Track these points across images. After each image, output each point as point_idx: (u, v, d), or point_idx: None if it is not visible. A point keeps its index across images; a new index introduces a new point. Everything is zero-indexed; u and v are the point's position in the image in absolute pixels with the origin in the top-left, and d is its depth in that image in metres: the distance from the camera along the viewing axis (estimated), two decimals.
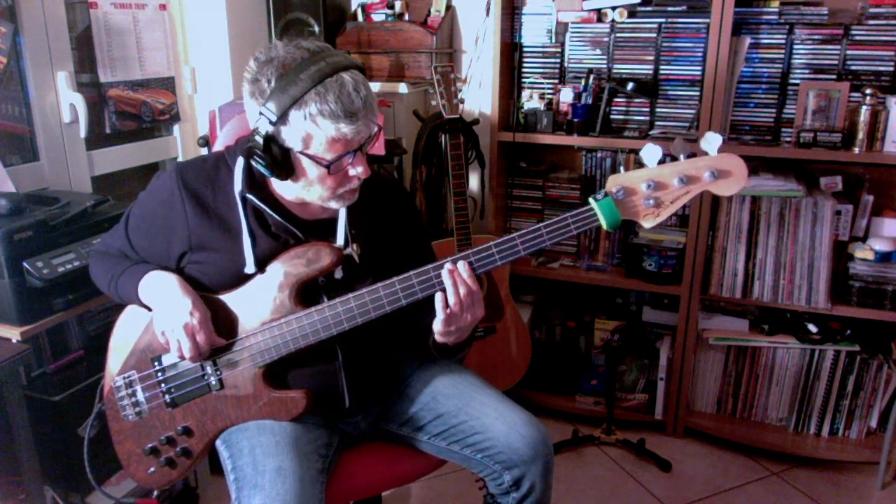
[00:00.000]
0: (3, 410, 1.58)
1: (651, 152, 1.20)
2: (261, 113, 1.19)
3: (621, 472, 2.38)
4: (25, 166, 1.94)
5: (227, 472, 1.32)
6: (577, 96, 2.47)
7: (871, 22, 2.21)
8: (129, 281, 1.35)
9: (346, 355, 1.37)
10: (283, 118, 1.18)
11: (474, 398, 1.42)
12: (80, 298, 1.66)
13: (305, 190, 1.29)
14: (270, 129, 1.20)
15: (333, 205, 1.31)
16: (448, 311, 1.26)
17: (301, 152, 1.22)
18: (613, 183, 1.21)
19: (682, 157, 1.19)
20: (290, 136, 1.21)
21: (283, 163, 1.23)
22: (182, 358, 1.31)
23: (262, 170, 1.25)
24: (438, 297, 1.26)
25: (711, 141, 1.18)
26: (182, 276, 1.36)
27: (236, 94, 2.43)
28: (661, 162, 1.20)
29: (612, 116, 2.51)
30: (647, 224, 1.22)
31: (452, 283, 1.24)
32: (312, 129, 1.19)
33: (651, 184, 1.19)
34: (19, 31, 1.87)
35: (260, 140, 1.20)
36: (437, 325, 1.30)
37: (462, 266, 1.24)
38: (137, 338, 1.39)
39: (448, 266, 1.24)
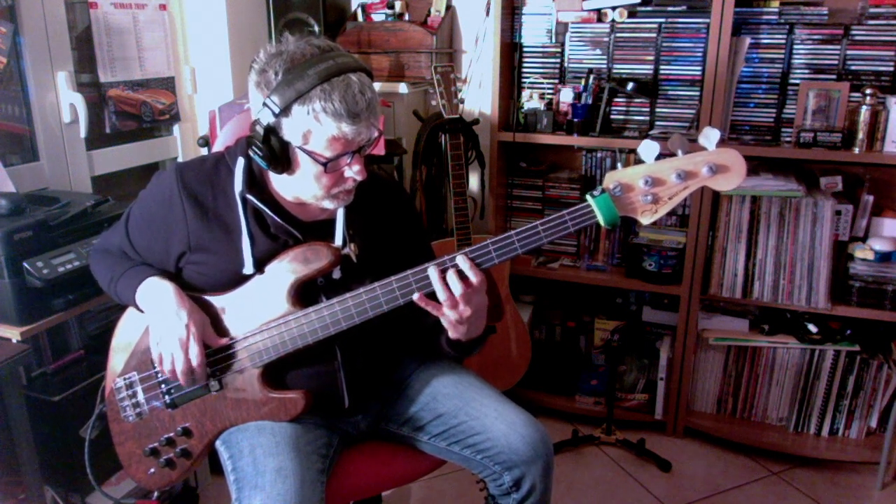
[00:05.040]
0: (3, 410, 1.58)
1: (648, 148, 1.20)
2: (264, 104, 1.20)
3: (621, 472, 2.38)
4: (25, 166, 1.94)
5: (227, 473, 1.32)
6: (577, 96, 2.47)
7: (871, 22, 2.21)
8: (128, 286, 1.35)
9: (345, 355, 1.37)
10: (286, 111, 1.19)
11: (474, 398, 1.42)
12: (80, 298, 1.66)
13: (300, 186, 1.29)
14: (272, 120, 1.20)
15: (328, 204, 1.31)
16: (448, 316, 1.24)
17: (300, 147, 1.22)
18: (611, 179, 1.20)
19: (679, 152, 1.19)
20: (291, 130, 1.21)
21: (281, 156, 1.23)
22: (173, 375, 1.30)
23: (259, 161, 1.25)
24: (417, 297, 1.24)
25: (710, 135, 1.17)
26: (181, 277, 1.36)
27: (236, 94, 2.43)
28: (659, 158, 1.20)
29: (612, 116, 2.51)
30: (645, 220, 1.22)
31: (441, 279, 1.22)
32: (314, 125, 1.19)
33: (648, 180, 1.19)
34: (19, 31, 1.88)
35: (261, 131, 1.21)
36: (445, 322, 1.28)
37: (461, 260, 1.22)
38: (138, 339, 1.40)
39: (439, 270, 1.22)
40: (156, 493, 1.93)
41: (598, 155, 2.64)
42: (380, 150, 2.05)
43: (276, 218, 1.31)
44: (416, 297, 1.23)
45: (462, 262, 1.22)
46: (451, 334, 1.32)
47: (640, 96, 2.45)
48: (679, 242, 2.44)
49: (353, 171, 1.26)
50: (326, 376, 1.37)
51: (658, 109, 2.47)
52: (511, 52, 2.57)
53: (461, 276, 1.22)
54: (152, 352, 1.32)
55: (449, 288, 1.22)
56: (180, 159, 2.48)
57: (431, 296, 1.24)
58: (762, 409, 2.53)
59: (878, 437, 2.39)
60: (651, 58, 2.43)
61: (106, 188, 2.23)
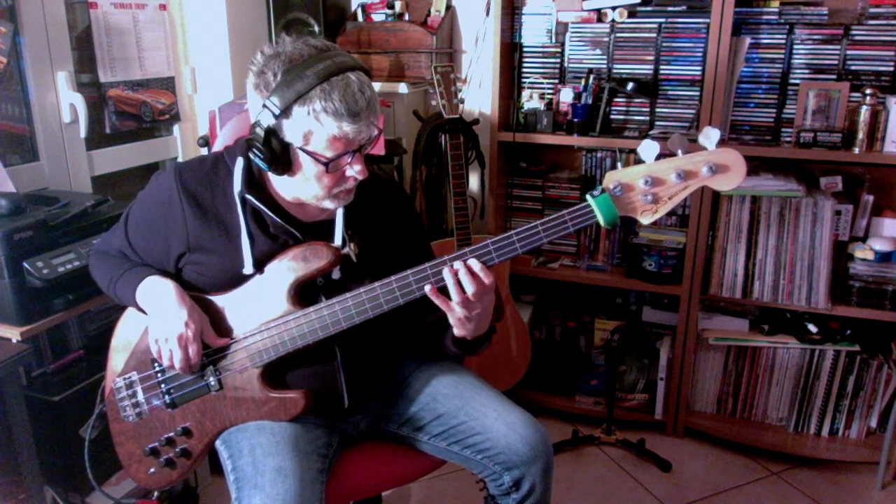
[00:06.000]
0: (3, 410, 1.58)
1: (649, 148, 1.20)
2: (264, 106, 1.19)
3: (621, 472, 2.38)
4: (25, 166, 1.94)
5: (227, 473, 1.32)
6: (577, 96, 2.47)
7: (871, 22, 2.21)
8: (127, 286, 1.35)
9: (345, 355, 1.37)
10: (286, 112, 1.19)
11: (474, 398, 1.42)
12: (80, 298, 1.66)
13: (301, 187, 1.29)
14: (273, 122, 1.20)
15: (328, 204, 1.31)
16: (457, 312, 1.25)
17: (301, 148, 1.22)
18: (611, 179, 1.20)
19: (679, 152, 1.19)
20: (292, 131, 1.21)
21: (282, 157, 1.23)
22: (173, 368, 1.32)
23: (260, 163, 1.25)
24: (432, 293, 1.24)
25: (710, 135, 1.18)
26: (180, 278, 1.36)
27: (236, 94, 2.43)
28: (659, 158, 1.20)
29: (612, 116, 2.51)
30: (645, 220, 1.22)
31: (455, 281, 1.23)
32: (314, 126, 1.19)
33: (648, 179, 1.19)
34: (19, 31, 1.88)
35: (261, 133, 1.21)
36: (452, 319, 1.29)
37: (475, 263, 1.23)
38: (138, 339, 1.40)
39: (457, 265, 1.23)
40: (156, 493, 1.93)
41: (598, 155, 2.64)
42: (380, 150, 2.06)
43: (275, 218, 1.31)
44: (427, 289, 1.23)
45: (475, 264, 1.22)
46: (458, 332, 1.32)
47: (640, 96, 2.45)
48: (679, 242, 2.43)
49: (354, 171, 1.26)
50: (326, 376, 1.37)
51: (658, 109, 2.47)
52: (511, 52, 2.57)
53: (473, 275, 1.22)
54: (151, 348, 1.33)
55: (462, 287, 1.22)
56: (180, 159, 2.48)
57: (441, 291, 1.25)
58: (762, 409, 2.53)
59: (878, 437, 2.39)
60: (651, 58, 2.43)
61: (106, 188, 2.23)
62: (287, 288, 1.30)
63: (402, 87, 2.60)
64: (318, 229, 1.36)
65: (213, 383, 1.35)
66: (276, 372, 1.35)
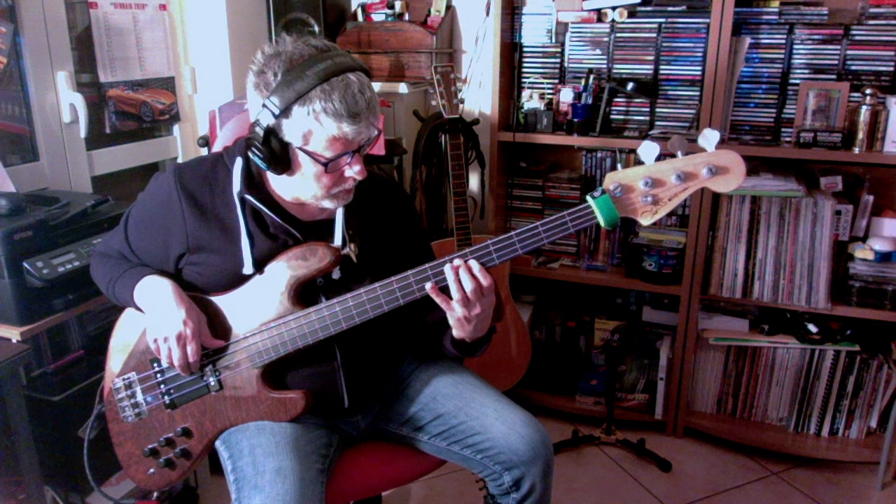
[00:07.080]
0: (3, 410, 1.58)
1: (649, 149, 1.20)
2: (264, 105, 1.19)
3: (621, 472, 2.38)
4: (25, 166, 1.94)
5: (227, 473, 1.32)
6: (577, 96, 2.47)
7: (871, 22, 2.21)
8: (126, 286, 1.35)
9: (345, 355, 1.37)
10: (286, 112, 1.19)
11: (474, 398, 1.42)
12: (80, 298, 1.66)
13: (300, 187, 1.29)
14: (272, 121, 1.20)
15: (327, 204, 1.31)
16: (456, 312, 1.25)
17: (300, 148, 1.22)
18: (611, 180, 1.20)
19: (679, 154, 1.19)
20: (291, 131, 1.21)
21: (281, 157, 1.23)
22: (172, 367, 1.32)
23: (259, 162, 1.25)
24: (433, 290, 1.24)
25: (709, 137, 1.18)
26: (180, 278, 1.36)
27: (236, 94, 2.43)
28: (659, 159, 1.20)
29: (612, 116, 2.51)
30: (645, 221, 1.22)
31: (455, 278, 1.23)
32: (314, 126, 1.19)
33: (649, 181, 1.19)
34: (19, 31, 1.88)
35: (260, 132, 1.21)
36: (452, 319, 1.29)
37: (474, 263, 1.23)
38: (137, 339, 1.40)
39: (457, 262, 1.23)
40: (155, 494, 1.93)
41: (598, 155, 2.64)
42: (380, 150, 2.06)
43: (275, 218, 1.31)
44: (428, 286, 1.24)
45: (474, 265, 1.23)
46: (457, 333, 1.32)
47: (640, 96, 2.45)
48: (679, 242, 2.43)
49: (353, 171, 1.26)
50: (326, 376, 1.37)
51: (658, 109, 2.47)
52: (511, 52, 2.57)
53: (472, 275, 1.23)
54: (150, 347, 1.33)
55: (462, 285, 1.22)
56: (180, 159, 2.48)
57: (443, 290, 1.25)
58: (762, 409, 2.53)
59: (878, 437, 2.39)
60: (651, 58, 2.43)
61: (106, 188, 2.23)
62: (287, 288, 1.30)
63: (402, 87, 2.60)
64: (318, 229, 1.36)
65: (212, 383, 1.35)
66: (276, 372, 1.35)
